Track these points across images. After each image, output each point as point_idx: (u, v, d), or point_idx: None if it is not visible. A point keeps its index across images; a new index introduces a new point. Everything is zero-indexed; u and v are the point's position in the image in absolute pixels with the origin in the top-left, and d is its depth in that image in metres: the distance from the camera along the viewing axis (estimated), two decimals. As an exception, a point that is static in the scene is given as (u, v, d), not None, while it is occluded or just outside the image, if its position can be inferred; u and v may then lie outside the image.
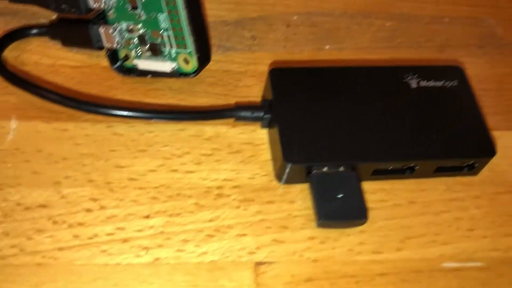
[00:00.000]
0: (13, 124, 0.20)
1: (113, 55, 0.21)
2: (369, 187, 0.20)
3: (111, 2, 0.20)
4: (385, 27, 0.25)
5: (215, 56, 0.23)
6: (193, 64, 0.20)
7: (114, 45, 0.20)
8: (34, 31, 0.22)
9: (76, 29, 0.21)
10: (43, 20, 0.23)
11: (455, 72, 0.22)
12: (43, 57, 0.22)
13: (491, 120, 0.22)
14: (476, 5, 0.27)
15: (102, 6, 0.20)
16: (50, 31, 0.22)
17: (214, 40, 0.23)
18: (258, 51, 0.23)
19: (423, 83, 0.21)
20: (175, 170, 0.20)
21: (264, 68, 0.23)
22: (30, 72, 0.21)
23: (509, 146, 0.22)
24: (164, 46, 0.20)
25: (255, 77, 0.23)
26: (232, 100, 0.22)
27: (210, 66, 0.22)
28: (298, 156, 0.19)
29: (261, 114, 0.20)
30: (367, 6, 0.26)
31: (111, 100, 0.21)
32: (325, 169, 0.19)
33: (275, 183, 0.20)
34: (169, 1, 0.18)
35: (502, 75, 0.25)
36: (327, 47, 0.24)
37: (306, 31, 0.24)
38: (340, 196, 0.19)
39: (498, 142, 0.22)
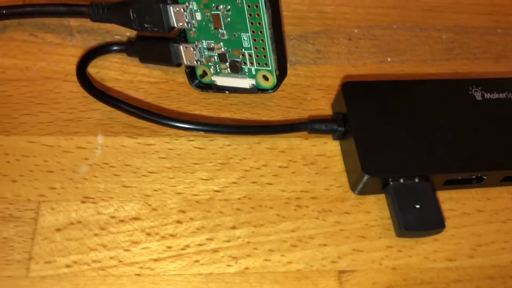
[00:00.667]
0: (100, 139, 0.21)
1: (191, 72, 0.22)
2: (438, 196, 0.21)
3: (194, 21, 0.20)
4: (442, 39, 0.26)
5: (283, 70, 0.24)
6: (272, 80, 0.21)
7: (194, 63, 0.21)
8: (114, 47, 0.23)
9: (156, 47, 0.22)
10: (118, 37, 0.24)
11: (518, 84, 0.23)
12: (122, 73, 0.23)
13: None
14: (528, 16, 0.28)
15: (185, 24, 0.20)
16: (129, 48, 0.22)
17: (280, 54, 0.24)
18: (322, 64, 0.24)
19: (488, 95, 0.22)
20: (255, 182, 0.21)
21: (329, 81, 0.24)
22: (111, 88, 0.22)
23: None
24: (245, 64, 0.21)
25: (322, 90, 0.23)
26: (302, 113, 0.23)
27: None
28: (376, 168, 0.20)
29: (335, 126, 0.21)
30: (424, 19, 0.27)
31: (191, 115, 0.22)
32: (401, 180, 0.20)
33: (350, 193, 0.21)
34: (254, 22, 0.19)
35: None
36: (389, 59, 0.25)
37: (367, 44, 0.25)
38: (418, 206, 0.19)
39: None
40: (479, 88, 0.22)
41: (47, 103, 0.21)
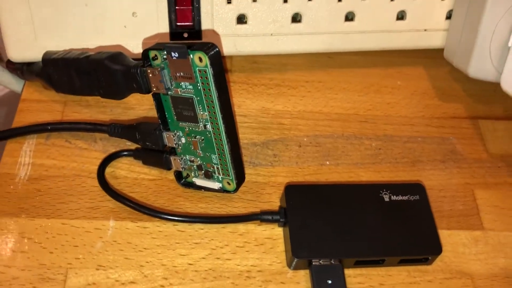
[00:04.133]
0: (111, 223, 0.29)
1: (178, 174, 0.31)
2: (351, 272, 0.29)
3: (180, 143, 0.29)
4: (371, 146, 0.34)
5: (247, 170, 0.32)
6: (233, 185, 0.29)
7: (180, 168, 0.30)
8: (124, 153, 0.32)
9: (154, 156, 0.30)
10: (128, 143, 0.32)
11: (418, 188, 0.31)
12: (130, 172, 0.31)
13: (446, 221, 0.31)
14: (443, 126, 0.36)
15: (173, 145, 0.29)
16: (135, 154, 0.31)
17: (246, 158, 0.33)
18: (277, 166, 0.33)
19: (394, 197, 0.30)
20: (218, 258, 0.29)
21: (281, 180, 0.32)
22: (120, 184, 0.31)
23: (456, 242, 0.31)
24: (214, 173, 0.29)
25: (274, 186, 0.32)
26: (258, 204, 0.31)
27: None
28: (302, 252, 0.28)
29: (278, 217, 0.29)
30: (360, 129, 0.35)
31: (177, 205, 0.30)
32: (320, 261, 0.28)
33: (286, 268, 0.29)
34: (219, 147, 0.28)
35: (457, 185, 0.33)
36: (328, 162, 0.33)
37: (312, 150, 0.34)
38: (329, 281, 0.27)
39: (449, 238, 0.31)
40: (388, 191, 0.31)
41: (76, 195, 0.30)
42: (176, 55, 0.26)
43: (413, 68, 0.40)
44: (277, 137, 0.34)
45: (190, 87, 0.27)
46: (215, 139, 0.28)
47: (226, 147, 0.28)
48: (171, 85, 0.27)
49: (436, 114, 0.37)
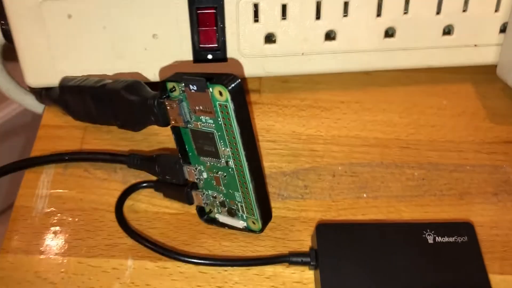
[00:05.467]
0: (130, 262, 0.28)
1: (201, 209, 0.28)
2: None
3: (201, 177, 0.27)
4: (414, 176, 0.31)
5: (275, 203, 0.30)
6: (258, 225, 0.27)
7: (202, 204, 0.28)
8: (144, 184, 0.30)
9: (175, 189, 0.28)
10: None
11: (467, 228, 0.27)
12: (150, 205, 0.30)
13: (499, 264, 0.28)
14: (496, 153, 0.32)
15: (194, 180, 0.27)
16: (156, 186, 0.29)
17: (274, 190, 0.30)
18: (308, 199, 0.30)
19: (439, 239, 0.27)
20: (243, 303, 0.27)
21: (312, 215, 0.29)
22: (140, 218, 0.29)
23: (512, 291, 0.27)
24: (238, 211, 0.27)
25: (305, 222, 0.29)
26: (287, 243, 0.28)
27: (272, 212, 0.29)
28: (334, 301, 0.25)
29: (308, 260, 0.27)
30: (401, 157, 0.32)
31: (199, 243, 0.28)
32: (354, 312, 0.25)
33: (317, 316, 0.26)
34: (243, 185, 0.25)
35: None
36: (365, 195, 0.30)
37: (348, 180, 0.31)
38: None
39: (503, 285, 0.27)
40: (432, 232, 0.27)
41: (93, 230, 0.29)
42: (195, 88, 0.24)
43: (460, 85, 0.36)
44: (309, 166, 0.32)
45: (211, 121, 0.24)
46: (238, 176, 0.25)
47: (250, 186, 0.25)
48: (191, 118, 0.25)
49: (487, 139, 0.33)
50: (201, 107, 0.24)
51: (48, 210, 0.29)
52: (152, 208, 0.30)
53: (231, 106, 0.23)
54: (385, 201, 0.30)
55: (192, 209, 0.29)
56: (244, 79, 0.36)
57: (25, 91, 0.36)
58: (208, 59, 0.32)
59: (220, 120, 0.24)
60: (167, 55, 0.31)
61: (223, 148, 0.25)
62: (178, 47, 0.31)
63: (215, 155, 0.25)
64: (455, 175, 0.31)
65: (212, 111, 0.24)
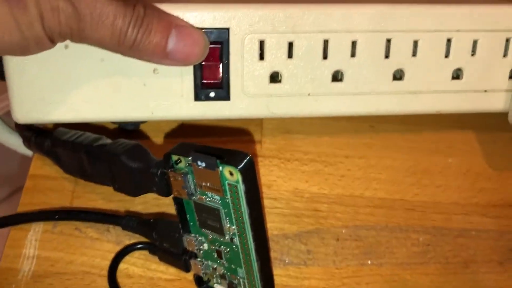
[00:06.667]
0: (123, 334, 0.26)
1: (199, 278, 0.27)
2: None
3: (202, 248, 0.26)
4: (419, 241, 0.30)
5: (276, 270, 0.28)
6: (261, 303, 0.25)
7: (200, 274, 0.26)
8: (139, 246, 0.28)
9: (172, 256, 0.27)
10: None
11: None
12: (145, 270, 0.28)
13: None
14: (501, 217, 0.32)
15: (194, 250, 0.26)
16: (151, 249, 0.28)
17: (276, 254, 0.29)
18: (311, 265, 0.29)
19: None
20: None
21: (315, 283, 0.28)
22: (134, 284, 0.27)
23: None
24: (240, 285, 0.25)
25: (308, 293, 0.28)
26: (289, 314, 0.27)
27: (274, 280, 0.27)
28: None
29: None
30: (406, 219, 0.31)
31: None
32: None
33: None
34: (247, 263, 0.24)
35: (518, 293, 0.29)
36: (369, 262, 0.29)
37: (352, 245, 0.30)
38: None
39: None
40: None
41: (84, 297, 0.27)
42: (203, 165, 0.22)
43: (465, 140, 0.35)
44: (312, 228, 0.30)
45: (217, 197, 0.23)
46: (243, 254, 0.24)
47: (254, 265, 0.24)
48: (195, 191, 0.24)
49: (493, 201, 0.32)
50: (208, 184, 0.23)
51: (36, 273, 0.27)
52: (147, 272, 0.28)
53: (241, 187, 0.22)
54: (390, 268, 0.29)
55: (190, 276, 0.28)
56: (245, 127, 0.35)
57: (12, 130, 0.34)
58: (210, 97, 0.30)
59: (228, 199, 0.22)
60: (167, 92, 0.29)
61: (229, 226, 0.23)
62: (179, 83, 0.29)
63: (219, 231, 0.24)
64: (460, 241, 0.31)
65: (220, 190, 0.22)
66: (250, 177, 0.22)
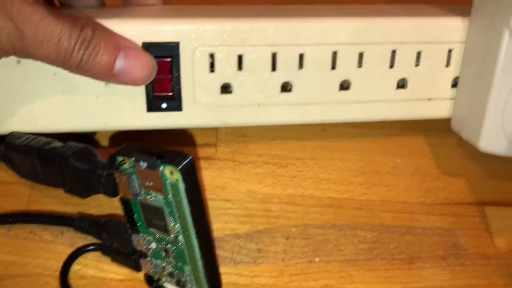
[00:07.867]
0: (74, 333, 0.27)
1: (149, 278, 0.28)
2: None
3: (150, 247, 0.26)
4: (366, 238, 0.31)
5: (227, 268, 0.29)
6: (207, 298, 0.26)
7: (150, 273, 0.27)
8: (91, 247, 0.29)
9: (123, 257, 0.28)
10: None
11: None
12: (98, 270, 0.29)
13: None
14: (446, 214, 0.33)
15: (143, 249, 0.26)
16: (103, 249, 0.29)
17: (227, 253, 0.30)
18: (261, 263, 0.30)
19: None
20: None
21: (265, 280, 0.29)
22: (87, 285, 0.28)
23: None
24: (187, 282, 0.26)
25: (257, 290, 0.29)
26: (238, 310, 0.28)
27: (223, 278, 0.28)
28: None
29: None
30: (354, 218, 0.32)
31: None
32: None
33: None
34: (192, 260, 0.25)
35: (460, 287, 0.30)
36: (317, 259, 0.30)
37: (301, 243, 0.31)
38: None
39: None
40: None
41: (37, 299, 0.27)
42: (145, 165, 0.23)
43: (415, 142, 0.37)
44: (263, 228, 0.31)
45: (161, 197, 0.24)
46: (188, 251, 0.25)
47: (199, 262, 0.25)
48: (140, 191, 0.25)
49: (438, 199, 0.34)
50: (151, 184, 0.23)
51: (-11, 276, 0.28)
52: (100, 273, 0.29)
53: (181, 186, 0.22)
54: (337, 265, 0.30)
55: (141, 276, 0.29)
56: (200, 131, 0.36)
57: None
58: (162, 108, 0.31)
59: (170, 198, 0.23)
60: (119, 104, 0.30)
61: (173, 224, 0.24)
62: (131, 95, 0.30)
63: (164, 229, 0.25)
64: (406, 238, 0.32)
65: (162, 189, 0.23)
66: (191, 176, 0.23)
